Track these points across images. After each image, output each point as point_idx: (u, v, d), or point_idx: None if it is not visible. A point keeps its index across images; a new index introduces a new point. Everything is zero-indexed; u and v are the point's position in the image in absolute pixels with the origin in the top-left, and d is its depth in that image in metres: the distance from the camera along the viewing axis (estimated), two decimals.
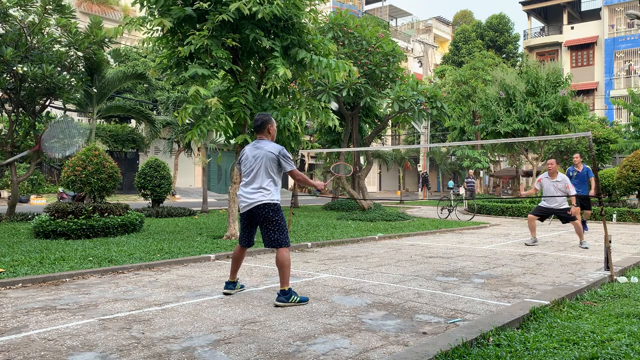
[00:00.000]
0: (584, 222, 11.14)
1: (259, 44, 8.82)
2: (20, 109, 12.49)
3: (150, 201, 15.64)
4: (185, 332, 3.93)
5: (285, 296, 4.79)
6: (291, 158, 5.04)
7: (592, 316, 4.34)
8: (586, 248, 9.24)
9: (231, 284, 5.23)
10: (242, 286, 5.42)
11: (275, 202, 4.88)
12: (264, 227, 4.87)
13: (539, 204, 9.83)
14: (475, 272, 6.68)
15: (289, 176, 5.01)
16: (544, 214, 9.82)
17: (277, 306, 4.73)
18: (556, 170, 9.58)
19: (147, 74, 21.06)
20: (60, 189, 14.84)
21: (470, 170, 24.58)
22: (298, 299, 4.84)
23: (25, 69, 11.41)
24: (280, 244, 4.85)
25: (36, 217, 10.18)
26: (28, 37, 11.71)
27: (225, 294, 5.18)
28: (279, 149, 4.93)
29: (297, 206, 20.57)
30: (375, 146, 32.93)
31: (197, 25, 8.36)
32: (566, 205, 9.55)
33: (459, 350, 3.38)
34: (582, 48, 38.89)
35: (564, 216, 9.52)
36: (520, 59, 41.69)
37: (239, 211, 13.86)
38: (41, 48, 11.80)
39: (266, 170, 4.87)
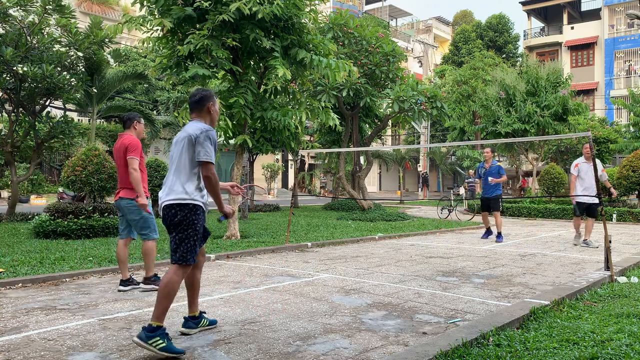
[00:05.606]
0: (489, 230, 10.80)
1: (259, 44, 8.81)
2: (20, 109, 12.49)
3: (150, 201, 15.63)
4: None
5: (151, 333, 3.36)
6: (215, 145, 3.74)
7: (592, 316, 4.34)
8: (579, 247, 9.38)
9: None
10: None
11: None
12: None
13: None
14: (475, 272, 6.68)
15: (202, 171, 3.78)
16: None
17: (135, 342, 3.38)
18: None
19: (147, 74, 21.08)
20: (60, 189, 14.85)
21: (470, 171, 24.56)
22: (163, 345, 3.34)
23: (25, 69, 11.41)
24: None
25: (36, 217, 10.17)
26: (28, 37, 11.71)
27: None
28: (205, 128, 3.69)
29: (297, 206, 20.57)
30: (375, 146, 32.92)
31: (197, 25, 8.36)
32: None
33: (459, 350, 3.38)
34: (582, 48, 38.85)
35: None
36: (520, 59, 41.65)
37: (239, 210, 13.94)
38: (41, 48, 11.80)
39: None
